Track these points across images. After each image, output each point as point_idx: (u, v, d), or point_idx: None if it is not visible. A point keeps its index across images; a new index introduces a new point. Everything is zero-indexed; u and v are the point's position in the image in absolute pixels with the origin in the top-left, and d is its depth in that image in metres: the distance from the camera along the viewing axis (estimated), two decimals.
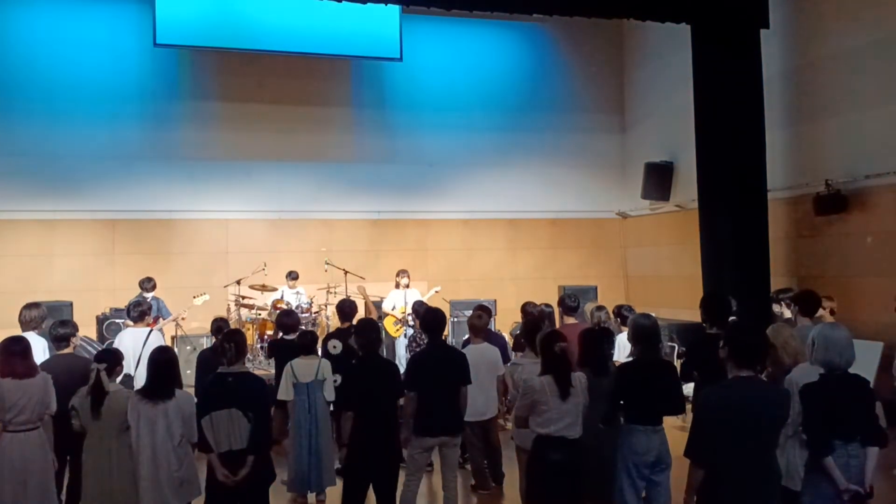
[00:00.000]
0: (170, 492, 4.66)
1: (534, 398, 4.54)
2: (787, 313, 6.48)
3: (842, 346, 3.92)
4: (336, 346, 6.52)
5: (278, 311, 9.94)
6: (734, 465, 3.50)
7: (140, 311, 7.22)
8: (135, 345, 6.82)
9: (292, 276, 10.79)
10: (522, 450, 5.68)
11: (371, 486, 5.12)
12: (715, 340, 4.37)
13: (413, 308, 8.24)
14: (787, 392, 3.87)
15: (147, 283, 9.60)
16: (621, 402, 4.60)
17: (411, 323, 8.88)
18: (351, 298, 7.96)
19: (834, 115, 9.56)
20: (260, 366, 9.55)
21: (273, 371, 7.46)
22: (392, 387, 5.15)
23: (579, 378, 4.66)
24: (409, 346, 7.34)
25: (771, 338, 4.57)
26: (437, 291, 10.69)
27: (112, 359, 5.12)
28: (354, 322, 6.80)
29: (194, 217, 11.81)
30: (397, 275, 10.47)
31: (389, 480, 5.08)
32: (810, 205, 9.59)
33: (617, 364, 6.05)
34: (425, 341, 6.92)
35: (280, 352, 6.58)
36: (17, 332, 6.48)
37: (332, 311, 10.85)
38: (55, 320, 6.09)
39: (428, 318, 5.71)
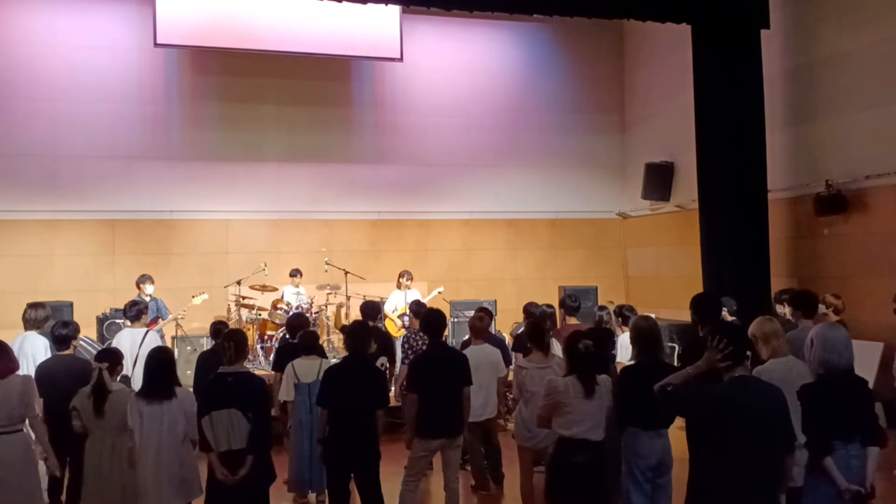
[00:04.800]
0: (171, 491, 4.66)
1: (557, 399, 4.51)
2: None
3: (840, 346, 3.92)
4: None
5: (279, 311, 10.01)
6: (733, 465, 3.49)
7: (137, 311, 7.23)
8: (132, 345, 6.83)
9: (297, 273, 10.78)
10: (525, 449, 5.69)
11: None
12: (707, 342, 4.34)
13: (410, 308, 8.23)
14: (779, 390, 3.86)
15: (145, 280, 9.54)
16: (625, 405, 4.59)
17: (407, 324, 8.88)
18: (374, 300, 7.95)
19: (834, 115, 9.56)
20: (260, 366, 9.55)
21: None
22: (372, 391, 5.06)
23: (604, 380, 4.62)
24: (402, 346, 7.32)
25: (754, 330, 4.55)
26: (439, 292, 10.68)
27: (112, 358, 5.13)
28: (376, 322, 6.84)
29: (194, 217, 11.80)
30: (400, 276, 10.48)
31: (368, 480, 5.06)
32: (810, 205, 9.59)
33: (619, 364, 6.06)
34: (419, 342, 6.97)
35: (289, 356, 6.53)
36: (18, 332, 6.53)
37: (332, 311, 10.88)
38: (57, 321, 6.09)
39: (428, 318, 5.71)
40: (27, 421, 4.88)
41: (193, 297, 9.31)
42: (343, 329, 8.02)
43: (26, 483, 4.84)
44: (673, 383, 3.81)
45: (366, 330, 5.38)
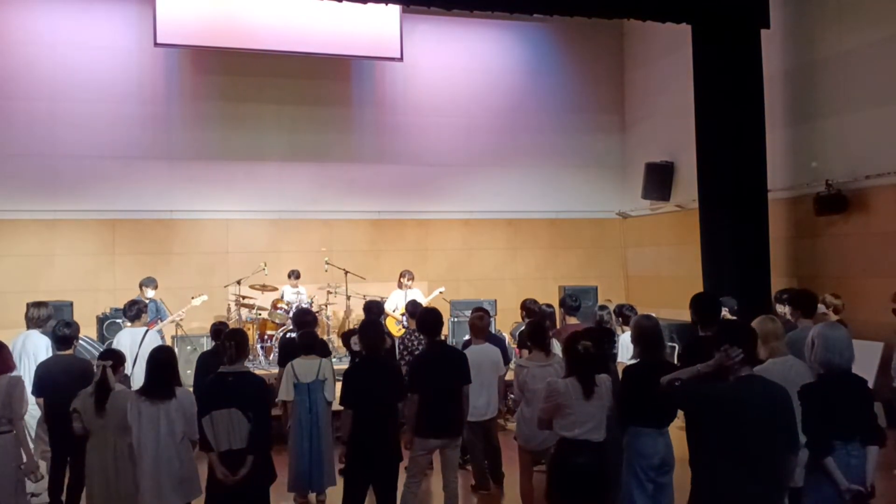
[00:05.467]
0: (171, 491, 4.67)
1: (558, 401, 4.50)
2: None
3: (841, 346, 3.93)
4: (356, 343, 6.54)
5: (279, 311, 10.02)
6: (737, 464, 3.48)
7: (137, 310, 7.23)
8: (132, 345, 6.83)
9: (294, 275, 10.79)
10: (525, 450, 5.69)
11: (371, 487, 5.12)
12: (708, 342, 4.36)
13: (406, 308, 8.22)
14: (785, 390, 3.86)
15: (148, 281, 9.55)
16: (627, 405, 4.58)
17: (405, 324, 8.88)
18: (377, 299, 7.98)
19: (834, 115, 9.57)
20: (260, 366, 9.55)
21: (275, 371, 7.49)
22: (393, 388, 5.11)
23: (604, 380, 4.61)
24: (398, 346, 7.33)
25: (755, 329, 4.55)
26: (441, 292, 10.67)
27: (116, 358, 5.14)
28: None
29: (194, 217, 11.80)
30: (401, 276, 10.48)
31: (389, 481, 5.07)
32: (810, 205, 9.59)
33: (620, 364, 6.06)
34: (414, 342, 6.97)
35: (293, 353, 6.54)
36: (18, 331, 6.54)
37: (332, 311, 10.89)
38: (59, 321, 6.09)
39: (424, 318, 5.70)
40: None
41: (193, 297, 9.31)
42: (346, 333, 8.01)
43: (12, 483, 4.84)
44: (681, 378, 3.81)
45: (379, 328, 5.41)
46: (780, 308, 6.76)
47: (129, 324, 7.30)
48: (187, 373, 7.69)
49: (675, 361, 5.97)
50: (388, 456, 5.03)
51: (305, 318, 7.21)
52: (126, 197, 11.42)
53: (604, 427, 4.53)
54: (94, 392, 4.86)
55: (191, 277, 11.26)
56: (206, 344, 8.70)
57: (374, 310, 7.48)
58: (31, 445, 5.60)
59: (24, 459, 4.97)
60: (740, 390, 3.54)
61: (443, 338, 6.37)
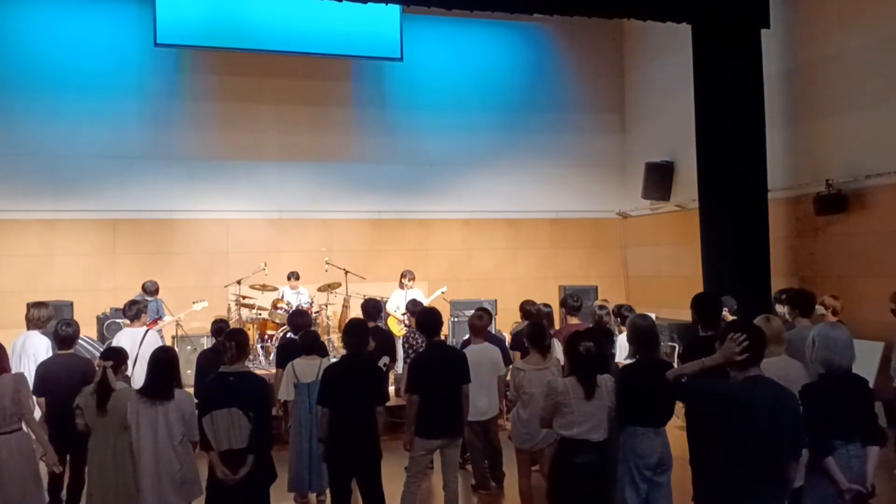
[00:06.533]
0: (171, 491, 4.67)
1: (557, 400, 4.50)
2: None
3: (842, 346, 3.92)
4: None
5: (279, 311, 10.02)
6: (739, 464, 3.48)
7: (136, 310, 7.24)
8: (132, 345, 6.84)
9: (294, 276, 10.80)
10: (521, 451, 5.69)
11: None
12: (709, 342, 4.37)
13: (407, 307, 8.24)
14: (793, 394, 3.84)
15: (151, 286, 9.55)
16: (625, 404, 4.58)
17: (407, 323, 8.91)
18: (375, 299, 7.97)
19: (834, 115, 9.56)
20: (260, 365, 9.55)
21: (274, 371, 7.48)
22: (371, 390, 5.03)
23: (606, 380, 4.61)
24: (402, 345, 7.33)
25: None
26: (443, 292, 10.66)
27: (118, 357, 5.14)
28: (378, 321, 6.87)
29: (194, 217, 11.80)
30: (402, 276, 10.47)
31: (370, 480, 5.04)
32: (810, 205, 9.59)
33: (618, 365, 6.05)
34: (418, 341, 6.97)
35: (291, 354, 6.53)
36: (19, 331, 6.54)
37: (332, 311, 10.89)
38: (60, 320, 6.10)
39: (423, 318, 5.69)
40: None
41: (194, 302, 9.30)
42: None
43: (26, 483, 4.85)
44: (687, 373, 3.80)
45: (363, 328, 5.35)
46: (779, 308, 6.74)
47: (128, 323, 7.30)
48: (187, 373, 7.69)
49: (676, 361, 5.99)
50: (366, 457, 4.99)
51: (298, 321, 7.20)
52: (126, 197, 11.43)
53: (604, 427, 4.53)
54: (95, 392, 4.86)
55: (191, 277, 11.27)
56: (207, 344, 8.70)
57: (371, 310, 7.46)
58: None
59: (43, 452, 4.97)
60: (747, 391, 3.52)
61: (443, 338, 6.37)
